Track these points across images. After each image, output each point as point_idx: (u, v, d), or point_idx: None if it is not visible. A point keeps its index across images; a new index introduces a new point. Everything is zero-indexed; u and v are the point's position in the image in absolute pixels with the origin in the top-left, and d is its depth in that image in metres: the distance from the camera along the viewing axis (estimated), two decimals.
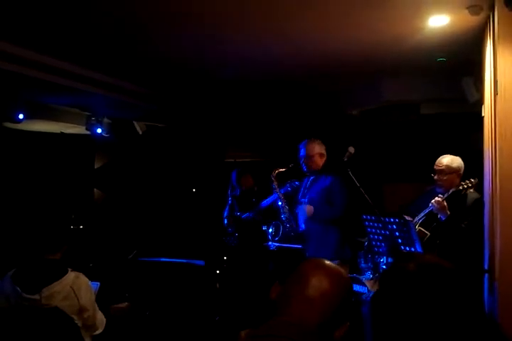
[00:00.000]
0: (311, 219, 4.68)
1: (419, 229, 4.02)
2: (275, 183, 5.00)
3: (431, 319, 1.39)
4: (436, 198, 3.99)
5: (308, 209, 4.67)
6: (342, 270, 1.61)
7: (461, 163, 4.18)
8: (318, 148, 4.73)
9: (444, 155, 4.22)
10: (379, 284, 1.56)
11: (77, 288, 3.06)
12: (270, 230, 5.36)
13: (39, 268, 3.07)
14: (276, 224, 5.24)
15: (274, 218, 5.41)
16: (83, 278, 3.15)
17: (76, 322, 3.06)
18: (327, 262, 1.62)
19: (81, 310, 3.07)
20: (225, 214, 6.29)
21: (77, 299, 3.05)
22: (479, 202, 3.99)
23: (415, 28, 4.19)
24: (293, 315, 1.48)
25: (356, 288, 4.96)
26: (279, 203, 4.98)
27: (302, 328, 1.45)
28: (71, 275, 3.09)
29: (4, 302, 3.04)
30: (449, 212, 3.95)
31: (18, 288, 2.98)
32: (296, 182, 5.03)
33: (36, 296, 2.97)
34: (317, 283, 1.51)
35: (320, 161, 4.73)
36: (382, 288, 1.53)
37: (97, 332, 3.21)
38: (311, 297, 1.50)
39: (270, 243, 5.22)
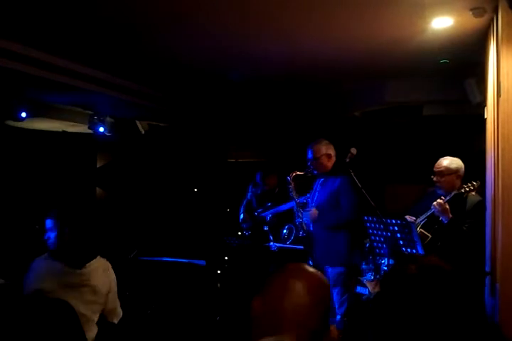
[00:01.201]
0: (318, 224, 4.60)
1: (421, 231, 4.01)
2: (292, 186, 4.84)
3: (431, 321, 1.39)
4: (438, 200, 3.98)
5: (313, 214, 4.59)
6: (320, 275, 1.58)
7: (461, 164, 4.18)
8: (324, 149, 4.59)
9: (444, 157, 4.23)
10: (380, 286, 1.56)
11: (109, 268, 3.31)
12: (284, 231, 5.34)
13: (79, 247, 3.21)
14: (290, 228, 5.20)
15: (286, 221, 5.40)
16: (109, 263, 3.36)
17: (102, 302, 3.20)
18: (306, 268, 1.59)
19: (109, 291, 3.25)
20: (242, 209, 6.26)
21: (109, 279, 3.27)
22: (480, 204, 3.99)
23: (419, 29, 4.18)
24: (284, 331, 1.43)
25: (358, 289, 4.96)
26: (295, 208, 4.85)
27: None
28: (100, 258, 3.30)
29: (48, 283, 3.10)
30: (451, 215, 3.94)
31: (63, 263, 3.12)
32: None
33: (82, 270, 3.13)
34: (297, 294, 1.48)
35: (328, 162, 4.59)
36: (383, 290, 1.53)
37: (115, 321, 3.34)
38: (294, 311, 1.46)
39: (272, 243, 5.21)
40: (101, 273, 3.22)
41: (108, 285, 3.24)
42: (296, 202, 4.79)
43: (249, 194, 6.31)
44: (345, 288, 4.45)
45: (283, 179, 5.04)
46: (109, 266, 3.34)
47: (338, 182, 4.51)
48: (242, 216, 6.20)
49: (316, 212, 4.58)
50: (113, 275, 3.34)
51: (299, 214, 4.75)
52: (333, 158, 4.64)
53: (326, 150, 4.61)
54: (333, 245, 4.48)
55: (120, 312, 3.41)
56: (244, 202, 6.29)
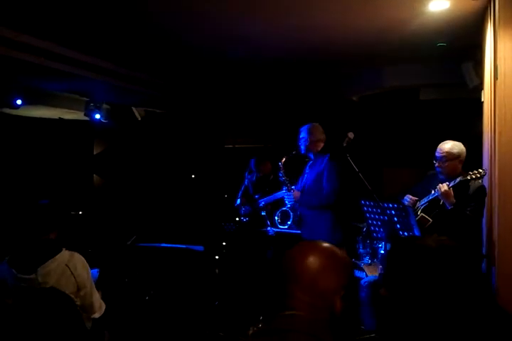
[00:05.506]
0: (301, 206, 4.68)
1: (422, 216, 3.91)
2: (283, 171, 4.90)
3: (446, 293, 1.48)
4: (444, 185, 3.91)
5: (295, 195, 4.68)
6: (329, 246, 1.64)
7: (463, 148, 3.98)
8: (319, 135, 4.68)
9: (446, 141, 4.03)
10: (392, 257, 1.62)
11: (72, 266, 3.06)
12: (276, 218, 5.34)
13: (32, 249, 3.07)
14: (283, 211, 5.21)
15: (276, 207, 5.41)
16: (78, 256, 3.14)
17: (75, 300, 3.06)
18: (313, 244, 1.65)
19: (78, 289, 3.08)
20: (239, 195, 6.30)
21: (74, 277, 3.05)
22: (482, 189, 3.89)
23: (415, 12, 4.15)
24: (296, 307, 1.51)
25: (355, 273, 4.98)
26: (288, 191, 4.86)
27: (306, 318, 1.50)
28: (65, 253, 3.09)
29: (2, 286, 3.06)
30: (454, 200, 3.84)
31: (14, 270, 3.00)
32: None
33: (32, 276, 2.98)
34: (311, 266, 1.54)
35: (320, 147, 4.69)
36: (393, 266, 1.57)
37: (95, 316, 3.18)
38: (309, 284, 1.53)
39: (269, 228, 5.22)
40: (61, 273, 3.01)
41: (73, 285, 3.05)
42: (288, 186, 4.83)
43: (246, 180, 6.35)
44: None
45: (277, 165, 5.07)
46: (78, 261, 3.10)
47: (324, 163, 4.56)
48: (238, 201, 6.24)
49: (298, 193, 4.66)
50: (83, 272, 3.10)
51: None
52: (324, 143, 4.71)
53: (321, 136, 4.70)
54: (318, 225, 4.54)
55: (101, 307, 3.23)
56: (242, 187, 6.34)
